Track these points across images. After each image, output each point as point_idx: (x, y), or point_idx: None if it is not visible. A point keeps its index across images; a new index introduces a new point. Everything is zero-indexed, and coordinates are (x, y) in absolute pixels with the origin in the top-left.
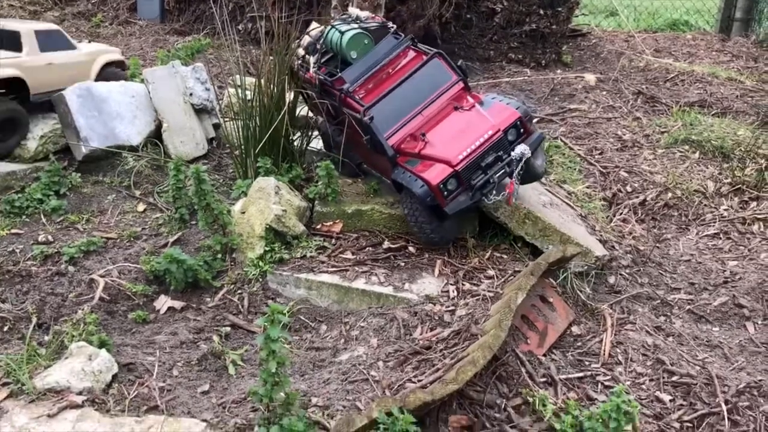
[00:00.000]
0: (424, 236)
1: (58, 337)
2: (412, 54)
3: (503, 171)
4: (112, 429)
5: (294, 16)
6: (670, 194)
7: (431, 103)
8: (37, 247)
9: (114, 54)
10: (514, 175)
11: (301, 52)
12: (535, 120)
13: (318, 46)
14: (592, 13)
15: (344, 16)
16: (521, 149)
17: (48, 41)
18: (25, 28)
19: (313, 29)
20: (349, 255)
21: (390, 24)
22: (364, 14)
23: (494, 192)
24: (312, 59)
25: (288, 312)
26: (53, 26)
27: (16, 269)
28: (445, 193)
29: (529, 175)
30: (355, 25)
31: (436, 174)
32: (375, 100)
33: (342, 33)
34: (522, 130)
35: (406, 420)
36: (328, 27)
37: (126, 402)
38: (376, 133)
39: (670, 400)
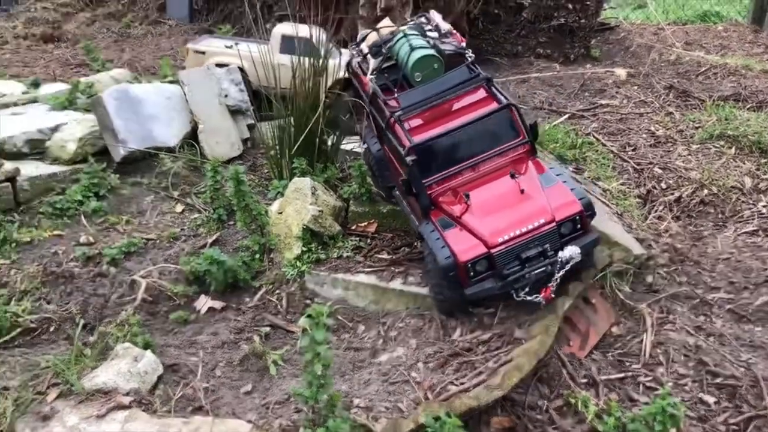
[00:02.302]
0: (435, 299)
1: (103, 338)
2: (482, 94)
3: (544, 269)
4: (161, 430)
5: (323, 14)
6: (706, 191)
7: (487, 159)
8: (78, 248)
9: None
10: (554, 278)
11: (364, 49)
12: (566, 116)
13: (383, 50)
14: (620, 5)
15: (422, 21)
16: (571, 252)
17: None
18: None
19: (383, 27)
20: (385, 255)
21: (469, 53)
22: (445, 26)
23: (526, 289)
24: (372, 63)
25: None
26: None
27: (60, 271)
28: (472, 273)
29: (586, 270)
30: (430, 40)
31: (467, 249)
32: (425, 139)
33: (412, 49)
34: (580, 225)
35: (453, 423)
36: (400, 33)
37: (172, 403)
38: (415, 178)
39: (715, 402)
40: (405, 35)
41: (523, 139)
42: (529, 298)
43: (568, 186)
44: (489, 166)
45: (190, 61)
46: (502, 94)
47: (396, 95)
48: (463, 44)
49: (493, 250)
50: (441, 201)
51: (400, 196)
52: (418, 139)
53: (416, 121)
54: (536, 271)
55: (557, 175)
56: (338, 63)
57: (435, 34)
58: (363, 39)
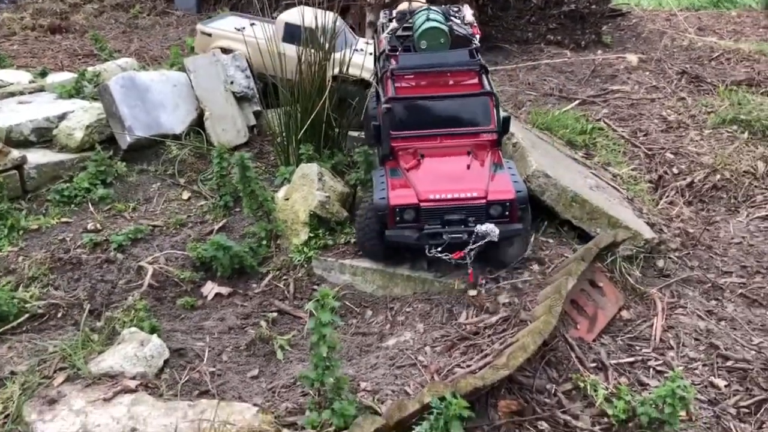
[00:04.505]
0: (358, 239)
1: (110, 323)
2: (473, 79)
3: (459, 236)
4: (166, 413)
5: (329, 1)
6: (718, 176)
7: (455, 136)
8: (86, 235)
9: None
10: (468, 248)
11: (394, 13)
12: (576, 102)
13: (407, 18)
14: None
15: (451, 6)
16: (488, 229)
17: None
18: None
19: (416, 0)
20: None
21: (476, 41)
22: (470, 17)
23: (439, 249)
24: (393, 25)
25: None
26: None
27: (67, 257)
28: (397, 218)
29: (496, 259)
30: (449, 21)
31: (400, 196)
32: (406, 96)
33: (427, 20)
34: (508, 213)
35: (458, 404)
36: (424, 8)
37: (178, 387)
38: (384, 127)
39: (726, 386)
40: (428, 9)
41: (493, 129)
42: (440, 255)
43: (513, 178)
44: (452, 142)
45: (197, 42)
46: (489, 84)
47: (398, 53)
48: (477, 36)
49: (421, 204)
50: (400, 155)
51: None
52: (402, 93)
53: (407, 82)
54: (452, 235)
55: (508, 168)
56: (350, 52)
57: (458, 21)
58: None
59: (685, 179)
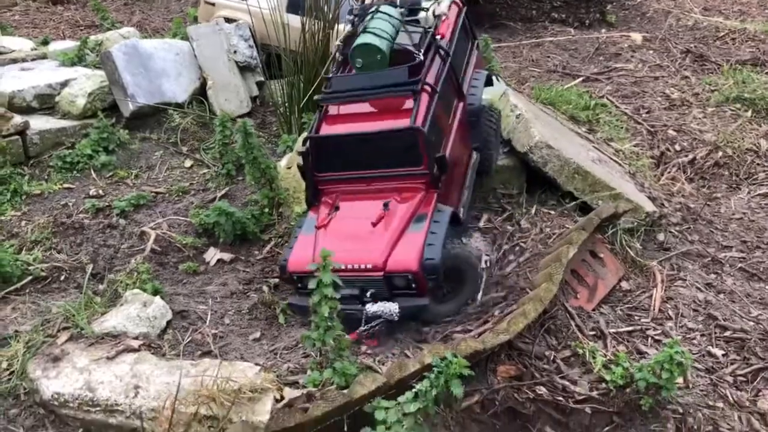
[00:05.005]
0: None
1: (113, 286)
2: (409, 104)
3: (354, 312)
4: (169, 371)
5: None
6: (720, 153)
7: (382, 178)
8: (88, 200)
9: None
10: (360, 330)
11: (355, 8)
12: (580, 79)
13: (365, 17)
14: None
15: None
16: (382, 308)
17: None
18: None
19: None
20: None
21: (418, 53)
22: (443, 8)
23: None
24: (346, 27)
25: None
26: None
27: (70, 221)
28: (299, 285)
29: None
30: (396, 24)
31: (299, 261)
32: (327, 135)
33: (365, 31)
34: (414, 284)
35: (459, 363)
36: (374, 7)
37: (181, 347)
38: (306, 169)
39: (723, 355)
40: (377, 11)
41: (422, 170)
42: None
43: (427, 240)
44: (382, 185)
45: (201, 12)
46: (428, 110)
47: (332, 76)
48: (440, 38)
49: (316, 273)
50: (324, 200)
51: None
52: (326, 129)
53: (337, 109)
54: (348, 311)
55: (434, 222)
56: None
57: (419, 21)
58: None
59: (687, 156)
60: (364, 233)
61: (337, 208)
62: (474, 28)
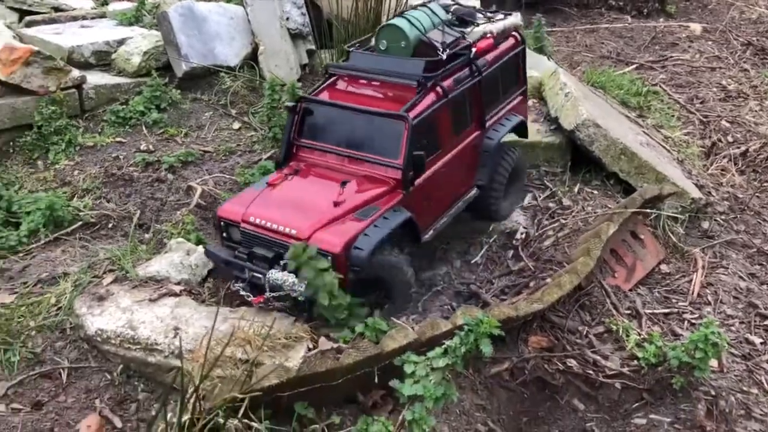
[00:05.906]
0: None
1: (158, 235)
2: (410, 95)
3: (259, 276)
4: (207, 315)
5: None
6: None
7: (357, 161)
8: (139, 154)
9: None
10: (267, 296)
11: None
12: (633, 66)
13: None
14: None
15: (463, 9)
16: (285, 279)
17: None
18: None
19: None
20: None
21: (443, 57)
22: (495, 26)
23: (241, 283)
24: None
25: None
26: None
27: (120, 173)
28: (224, 234)
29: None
30: (435, 23)
31: (231, 210)
32: (317, 99)
33: (400, 15)
34: (333, 265)
35: (490, 323)
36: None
37: (220, 295)
38: (288, 124)
39: (761, 343)
40: (424, 4)
41: (397, 164)
42: (242, 291)
43: (365, 231)
44: (353, 168)
45: None
46: (424, 110)
47: (353, 51)
48: (474, 50)
49: (241, 223)
50: (291, 164)
51: None
52: (317, 95)
53: (345, 85)
54: (254, 273)
55: (383, 218)
56: None
57: (470, 30)
58: None
59: (739, 148)
60: (306, 203)
61: (297, 172)
62: (526, 75)
